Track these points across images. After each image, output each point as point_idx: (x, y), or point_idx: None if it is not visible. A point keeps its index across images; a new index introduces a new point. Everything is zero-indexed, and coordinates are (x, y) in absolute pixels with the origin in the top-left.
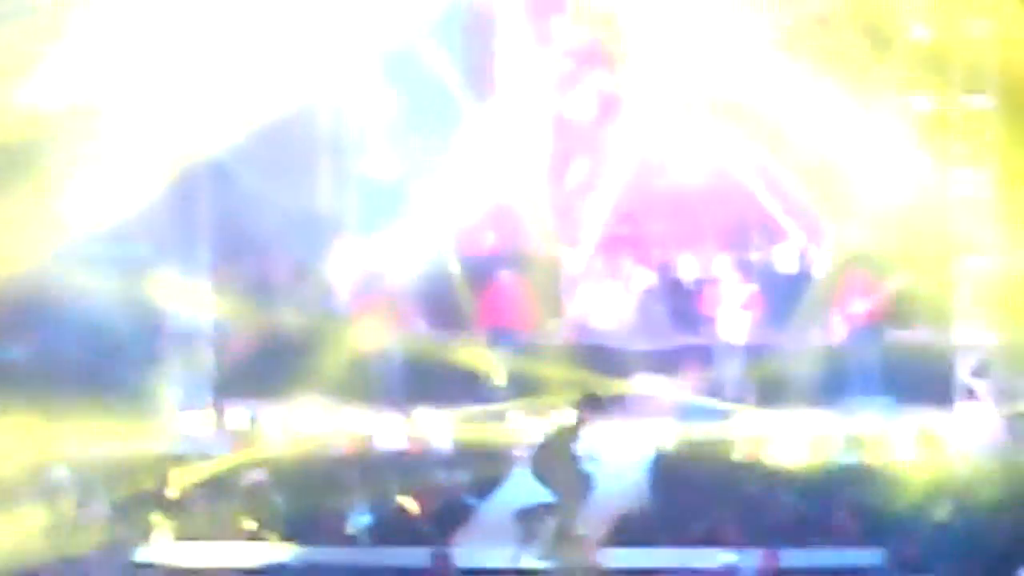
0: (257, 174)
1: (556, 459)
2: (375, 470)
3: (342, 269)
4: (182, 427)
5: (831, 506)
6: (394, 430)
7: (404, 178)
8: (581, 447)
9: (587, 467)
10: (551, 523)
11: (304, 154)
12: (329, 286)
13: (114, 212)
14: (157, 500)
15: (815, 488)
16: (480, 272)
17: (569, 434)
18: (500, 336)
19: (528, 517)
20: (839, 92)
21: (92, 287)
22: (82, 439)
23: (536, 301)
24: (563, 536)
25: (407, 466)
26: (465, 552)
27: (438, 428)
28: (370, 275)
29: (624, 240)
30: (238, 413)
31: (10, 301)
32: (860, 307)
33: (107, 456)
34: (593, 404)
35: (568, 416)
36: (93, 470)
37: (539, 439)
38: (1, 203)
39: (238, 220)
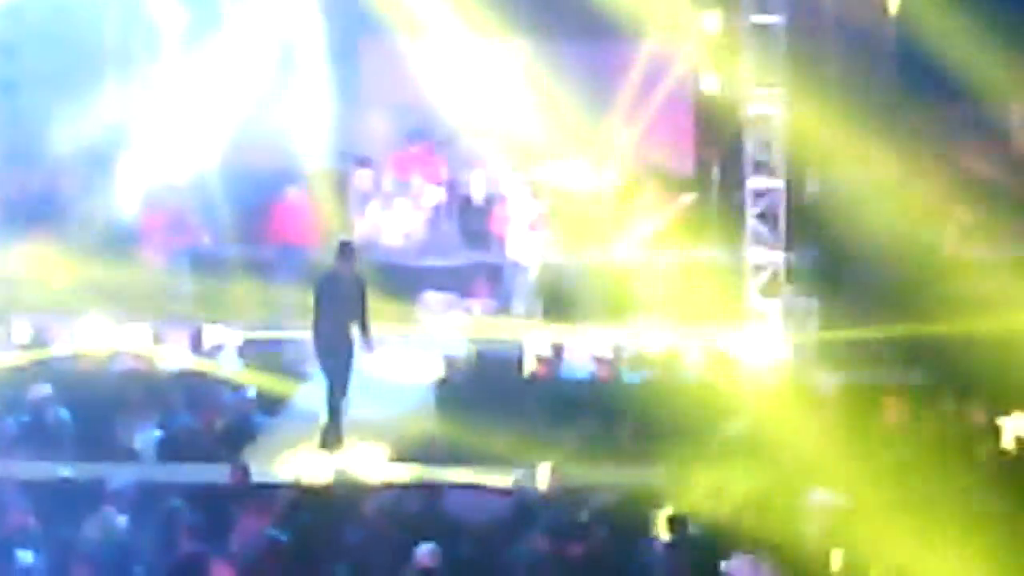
0: (43, 87)
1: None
2: (163, 387)
3: (128, 182)
4: None
5: (618, 424)
6: (181, 347)
7: (189, 90)
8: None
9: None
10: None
11: (90, 66)
12: (116, 199)
13: None
14: None
15: (602, 406)
16: (268, 187)
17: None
18: (288, 253)
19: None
20: None
21: None
22: None
23: (324, 218)
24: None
25: (195, 383)
26: (259, 467)
27: (226, 345)
28: (156, 189)
29: (414, 157)
30: (22, 327)
31: None
32: (650, 225)
33: None
34: (346, 251)
35: None
36: None
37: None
38: None
39: (24, 134)
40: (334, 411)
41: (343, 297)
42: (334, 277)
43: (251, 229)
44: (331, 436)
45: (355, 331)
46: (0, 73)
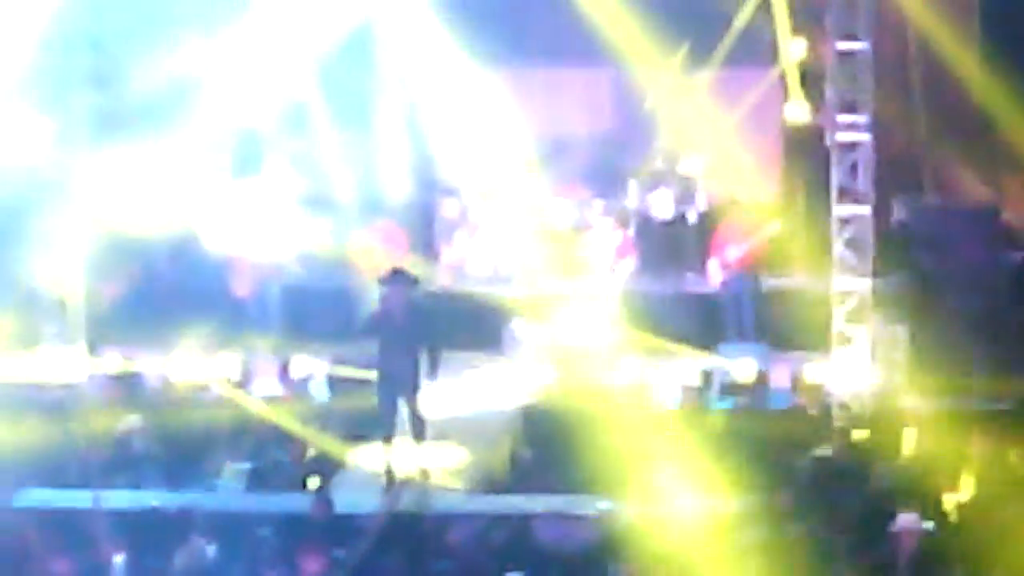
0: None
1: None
2: (252, 418)
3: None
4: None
5: (706, 452)
6: (270, 378)
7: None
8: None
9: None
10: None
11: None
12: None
13: None
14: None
15: (691, 433)
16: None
17: None
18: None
19: None
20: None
21: None
22: None
23: (413, 246)
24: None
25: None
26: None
27: (315, 374)
28: (244, 220)
29: (499, 186)
30: (112, 357)
31: None
32: (735, 253)
33: None
34: (397, 279)
35: None
36: None
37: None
38: None
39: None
40: (388, 443)
41: (400, 327)
42: (389, 306)
43: (340, 259)
44: (389, 471)
45: (418, 361)
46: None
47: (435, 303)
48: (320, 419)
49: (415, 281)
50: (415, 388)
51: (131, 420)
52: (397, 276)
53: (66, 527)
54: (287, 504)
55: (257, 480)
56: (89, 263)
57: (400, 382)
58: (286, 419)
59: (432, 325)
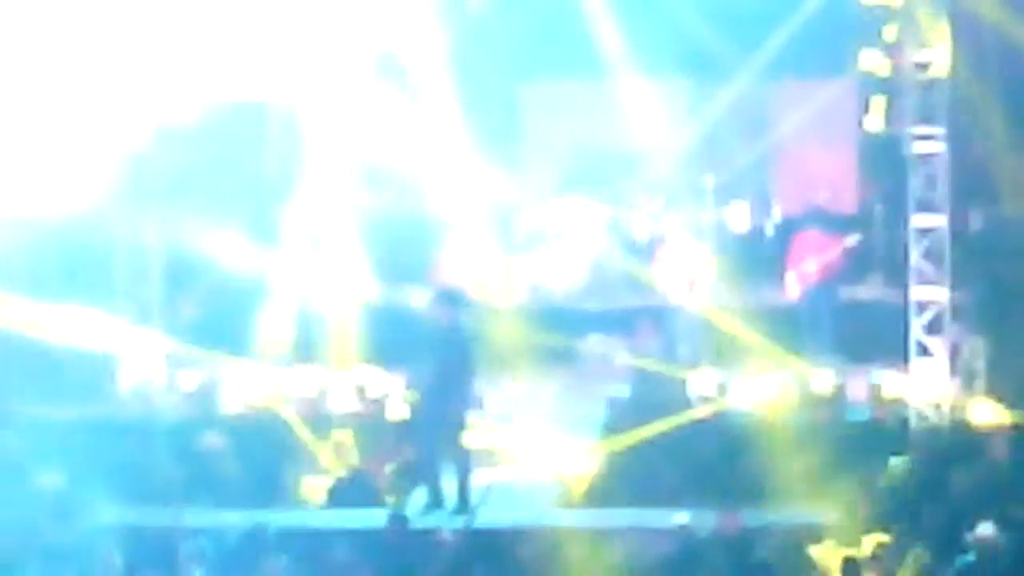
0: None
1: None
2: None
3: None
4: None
5: (787, 465)
6: (348, 394)
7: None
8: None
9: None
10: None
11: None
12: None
13: None
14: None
15: (769, 446)
16: (432, 234)
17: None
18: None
19: None
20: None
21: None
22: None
23: (489, 262)
24: None
25: (362, 428)
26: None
27: (392, 390)
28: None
29: (577, 201)
30: (190, 376)
31: None
32: (812, 266)
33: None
34: (443, 300)
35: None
36: (46, 435)
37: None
38: None
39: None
40: (429, 469)
41: (445, 348)
42: (435, 327)
43: (415, 276)
44: (431, 495)
45: (462, 384)
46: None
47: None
48: (397, 436)
49: (467, 303)
50: (451, 411)
51: (210, 437)
52: (445, 297)
53: (149, 544)
54: (363, 521)
55: (335, 496)
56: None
57: (438, 405)
58: (363, 435)
59: (472, 349)
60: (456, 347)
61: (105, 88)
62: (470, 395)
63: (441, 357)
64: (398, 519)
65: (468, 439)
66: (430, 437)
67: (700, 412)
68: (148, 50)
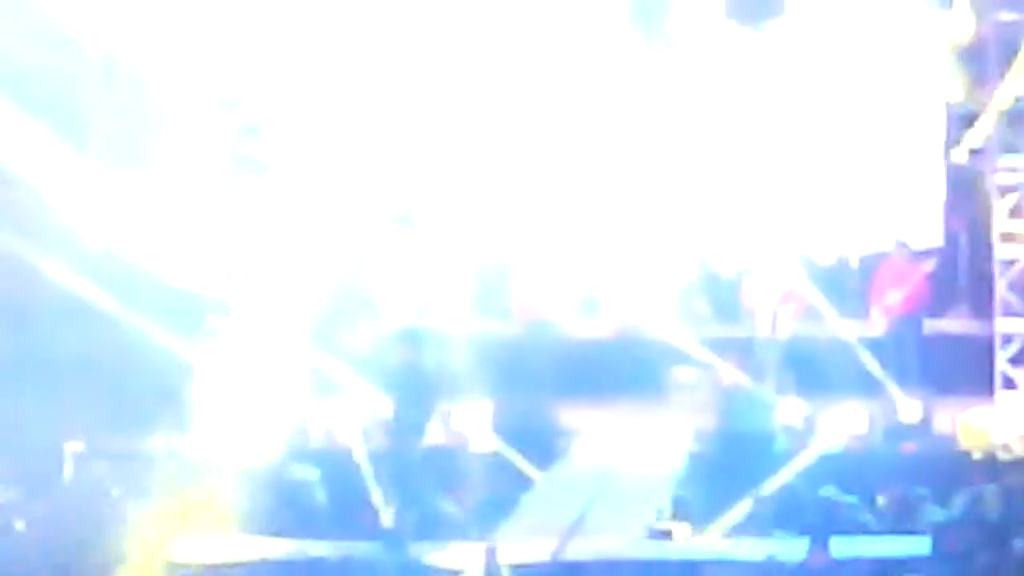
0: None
1: None
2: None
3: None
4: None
5: (873, 496)
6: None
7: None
8: None
9: None
10: None
11: None
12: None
13: None
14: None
15: (857, 478)
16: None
17: None
18: (540, 327)
19: None
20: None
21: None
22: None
23: (572, 293)
24: None
25: (448, 461)
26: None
27: (478, 422)
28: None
29: (664, 232)
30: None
31: None
32: (896, 296)
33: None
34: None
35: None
36: (133, 465)
37: None
38: None
39: None
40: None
41: (404, 387)
42: (400, 365)
43: (494, 305)
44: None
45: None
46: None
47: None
48: (482, 469)
49: (428, 341)
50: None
51: (300, 469)
52: (409, 336)
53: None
54: (451, 555)
55: (422, 529)
56: None
57: (404, 445)
58: (449, 468)
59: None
60: (415, 386)
61: None
62: (423, 433)
63: (400, 395)
64: (489, 552)
65: (420, 476)
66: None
67: (787, 443)
68: None
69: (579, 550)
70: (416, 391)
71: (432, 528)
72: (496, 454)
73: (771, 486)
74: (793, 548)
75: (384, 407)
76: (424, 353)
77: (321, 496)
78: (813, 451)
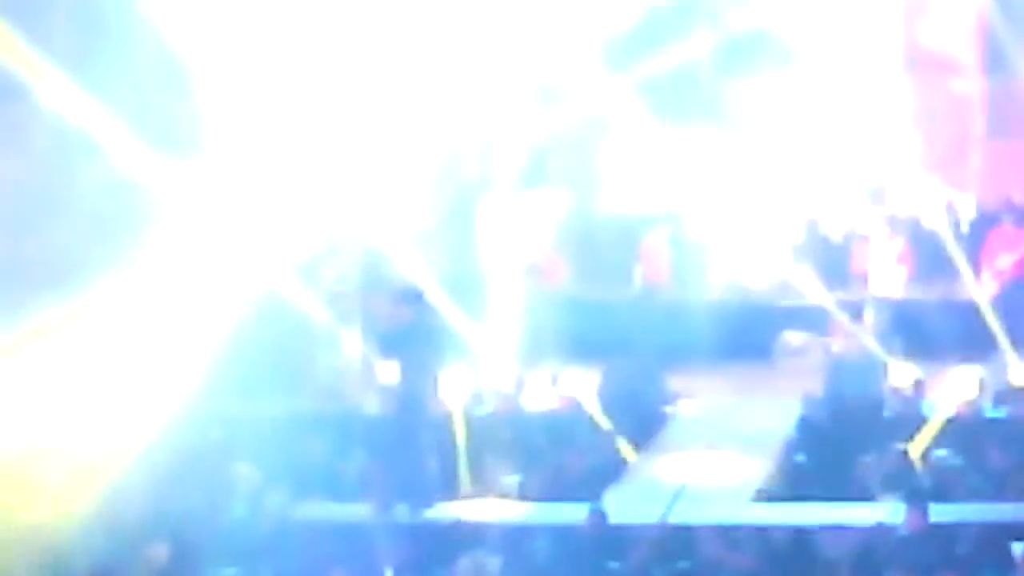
0: None
1: None
2: (526, 428)
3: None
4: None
5: (984, 460)
6: (544, 388)
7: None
8: None
9: None
10: None
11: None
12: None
13: None
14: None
15: (967, 442)
16: (631, 231)
17: None
18: (650, 293)
19: None
20: None
21: None
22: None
23: (685, 259)
24: None
25: (558, 424)
26: (615, 508)
27: (587, 385)
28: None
29: (773, 196)
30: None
31: None
32: (1007, 261)
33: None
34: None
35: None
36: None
37: None
38: None
39: None
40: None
41: (405, 348)
42: (400, 327)
43: (620, 270)
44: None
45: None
46: None
47: None
48: (590, 431)
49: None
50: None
51: None
52: (407, 295)
53: (343, 540)
54: (562, 516)
55: (531, 491)
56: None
57: (408, 408)
58: (559, 429)
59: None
60: (416, 346)
61: None
62: (431, 393)
63: (402, 356)
64: (597, 514)
65: (428, 437)
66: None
67: (895, 407)
68: None
69: (686, 515)
70: (419, 353)
71: (542, 490)
72: (603, 418)
73: (880, 451)
74: (900, 513)
75: (388, 371)
76: (426, 314)
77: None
78: (923, 415)
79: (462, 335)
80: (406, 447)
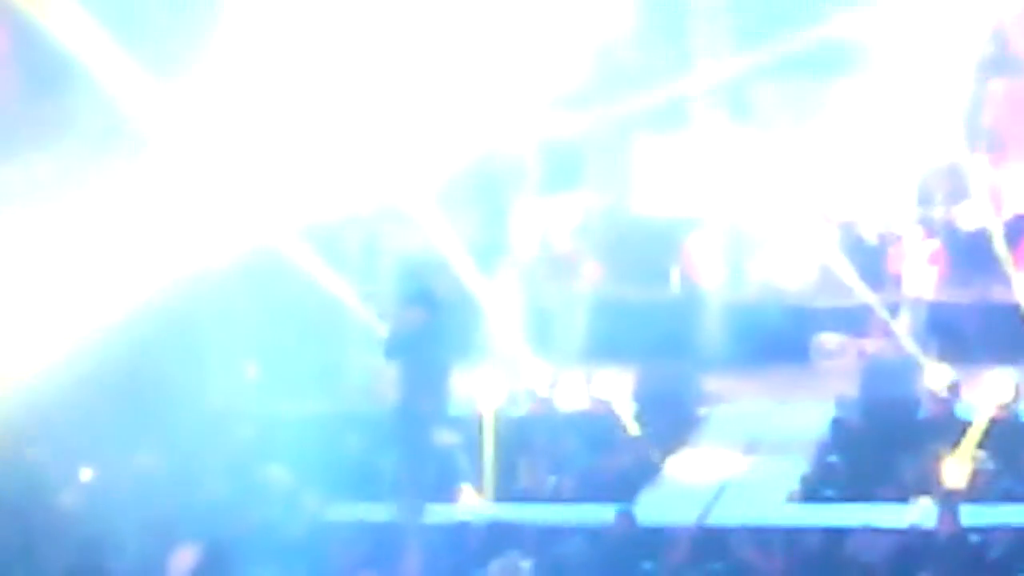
0: None
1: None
2: (561, 429)
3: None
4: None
5: (1017, 464)
6: (576, 389)
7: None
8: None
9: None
10: None
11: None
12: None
13: None
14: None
15: (1002, 445)
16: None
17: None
18: (688, 295)
19: None
20: None
21: None
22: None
23: (722, 260)
24: None
25: (592, 425)
26: (647, 510)
27: (621, 386)
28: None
29: (808, 199)
30: None
31: None
32: None
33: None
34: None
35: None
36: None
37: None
38: None
39: None
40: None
41: (417, 349)
42: (411, 328)
43: (655, 271)
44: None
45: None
46: None
47: None
48: (624, 433)
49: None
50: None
51: (448, 435)
52: (417, 296)
53: (376, 541)
54: (592, 516)
55: (564, 492)
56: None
57: (415, 408)
58: (592, 431)
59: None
60: (428, 347)
61: None
62: (444, 393)
63: (414, 357)
64: (626, 515)
65: (442, 437)
66: (407, 436)
67: (931, 409)
68: None
69: (723, 516)
70: (429, 352)
71: (576, 491)
72: (638, 419)
73: (915, 453)
74: (934, 515)
75: (397, 369)
76: (437, 314)
77: (464, 459)
78: (958, 418)
79: (487, 336)
80: (407, 448)
